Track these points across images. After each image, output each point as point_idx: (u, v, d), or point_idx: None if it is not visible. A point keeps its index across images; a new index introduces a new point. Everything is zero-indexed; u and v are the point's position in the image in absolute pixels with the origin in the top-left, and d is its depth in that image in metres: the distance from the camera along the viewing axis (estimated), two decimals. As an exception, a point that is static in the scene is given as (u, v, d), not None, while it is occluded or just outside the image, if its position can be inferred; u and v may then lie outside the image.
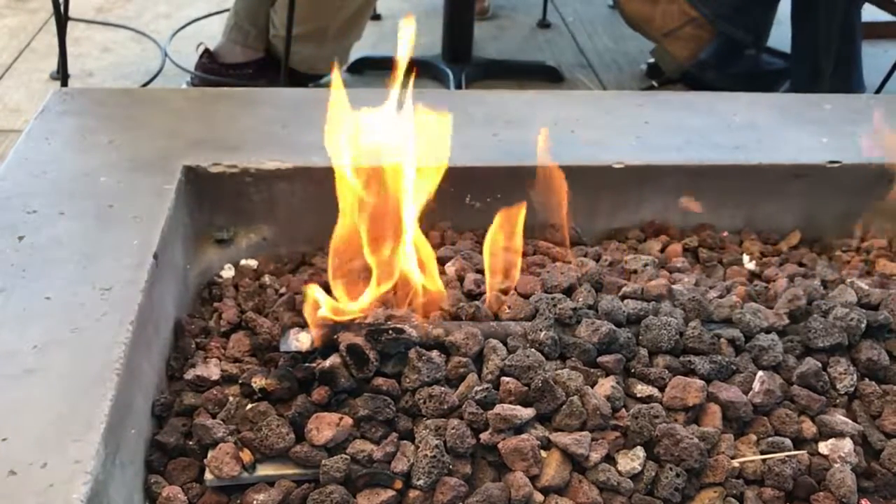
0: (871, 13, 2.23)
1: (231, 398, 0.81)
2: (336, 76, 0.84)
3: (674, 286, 0.95)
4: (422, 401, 0.79)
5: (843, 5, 1.95)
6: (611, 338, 0.84)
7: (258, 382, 0.80)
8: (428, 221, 1.09)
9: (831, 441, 0.81)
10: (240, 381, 0.82)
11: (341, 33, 2.07)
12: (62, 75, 1.87)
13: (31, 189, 0.95)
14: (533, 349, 0.83)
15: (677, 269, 1.04)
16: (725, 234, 1.15)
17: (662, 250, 1.10)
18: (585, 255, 1.05)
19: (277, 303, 0.94)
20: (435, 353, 0.82)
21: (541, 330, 0.84)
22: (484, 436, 0.76)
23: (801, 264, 1.10)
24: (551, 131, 1.15)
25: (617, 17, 2.62)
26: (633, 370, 0.85)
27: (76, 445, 0.65)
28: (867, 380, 0.87)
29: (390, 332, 0.81)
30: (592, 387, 0.81)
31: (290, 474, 0.76)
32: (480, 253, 1.06)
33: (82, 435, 0.65)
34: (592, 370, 0.83)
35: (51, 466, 0.63)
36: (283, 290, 0.98)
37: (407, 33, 0.82)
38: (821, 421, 0.83)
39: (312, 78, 2.14)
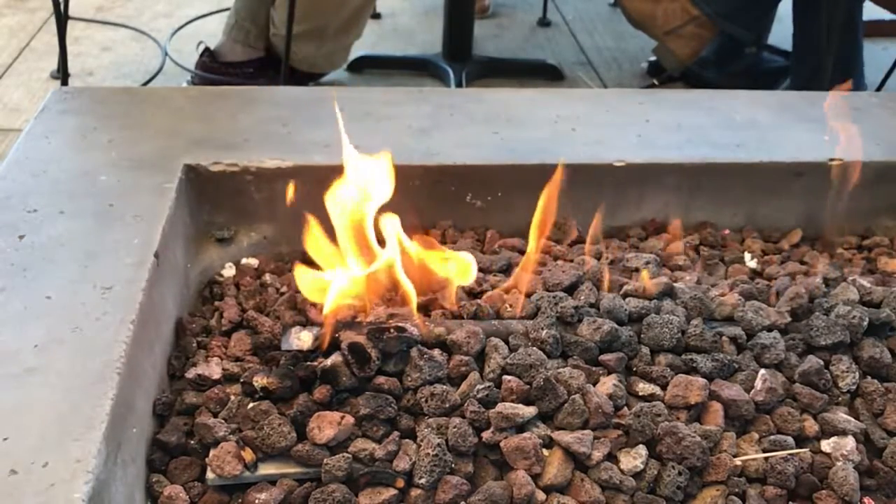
0: (870, 11, 2.23)
1: (232, 397, 0.81)
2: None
3: (675, 284, 0.94)
4: (423, 399, 0.79)
5: (845, 3, 1.95)
6: (612, 336, 0.84)
7: (259, 381, 0.79)
8: (428, 220, 1.09)
9: (833, 439, 0.81)
10: (241, 380, 0.82)
11: (341, 32, 2.07)
12: (62, 74, 1.87)
13: (31, 188, 0.94)
14: (534, 348, 0.83)
15: (679, 267, 1.04)
16: (727, 232, 1.15)
17: (664, 248, 1.09)
18: (586, 254, 1.05)
19: (278, 301, 0.94)
20: (436, 352, 0.82)
21: (542, 328, 0.84)
22: (486, 434, 0.76)
23: (802, 262, 1.10)
24: (552, 129, 1.15)
25: (617, 15, 2.62)
26: (634, 368, 0.85)
27: (77, 444, 0.65)
28: (869, 378, 0.87)
29: (392, 330, 0.81)
30: (594, 385, 0.81)
31: (291, 473, 0.76)
32: (482, 251, 1.06)
33: (83, 434, 0.65)
34: (594, 368, 0.83)
35: (52, 466, 0.63)
36: (284, 288, 0.98)
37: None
38: (823, 419, 0.83)
39: (313, 76, 2.14)
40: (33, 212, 0.91)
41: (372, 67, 2.32)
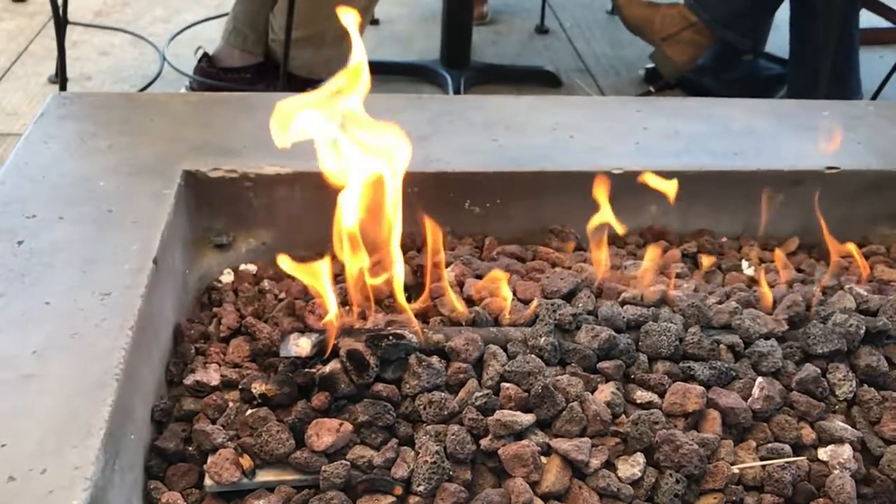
0: (866, 19, 2.24)
1: (231, 404, 0.81)
2: None
3: (673, 292, 0.95)
4: (422, 406, 0.79)
5: (842, 11, 1.96)
6: (610, 343, 0.85)
7: (258, 388, 0.79)
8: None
9: (830, 447, 0.81)
10: (239, 387, 0.82)
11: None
12: (60, 79, 1.87)
13: (30, 193, 0.94)
14: (533, 355, 0.83)
15: (676, 274, 1.05)
16: (724, 239, 1.15)
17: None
18: (585, 261, 1.05)
19: (277, 308, 0.94)
20: (435, 359, 0.82)
21: (541, 336, 0.84)
22: (484, 442, 0.76)
23: (799, 270, 1.10)
24: (551, 137, 1.16)
25: (614, 23, 2.63)
26: (632, 376, 0.85)
27: (76, 451, 0.65)
28: (866, 386, 0.87)
29: (390, 337, 0.81)
30: (592, 393, 0.81)
31: (289, 480, 0.76)
32: (480, 258, 1.06)
33: (82, 441, 0.65)
34: (592, 376, 0.83)
35: (50, 472, 0.63)
36: (282, 295, 0.98)
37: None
38: (820, 427, 0.83)
39: (310, 82, 2.14)
40: (32, 217, 0.91)
41: (370, 73, 2.32)
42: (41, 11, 2.52)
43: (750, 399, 0.83)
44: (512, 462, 0.75)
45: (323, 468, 0.74)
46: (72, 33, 2.30)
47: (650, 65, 2.33)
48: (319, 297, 0.86)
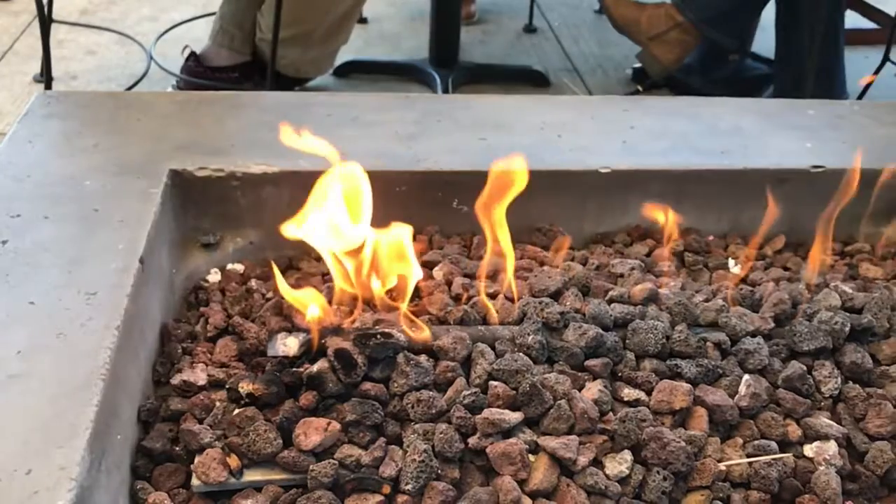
0: (851, 20, 2.26)
1: (218, 403, 0.81)
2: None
3: (660, 290, 0.95)
4: (410, 405, 0.79)
5: (827, 12, 1.97)
6: (598, 342, 0.85)
7: (245, 387, 0.79)
8: (415, 226, 1.09)
9: (816, 444, 0.82)
10: (227, 387, 0.82)
11: (327, 37, 2.07)
12: (46, 78, 1.86)
13: (14, 193, 0.94)
14: (521, 353, 0.83)
15: (663, 272, 1.05)
16: (711, 238, 1.16)
17: (648, 254, 1.10)
18: (572, 259, 1.05)
19: (264, 307, 0.94)
20: (423, 358, 0.82)
21: (528, 334, 0.85)
22: (472, 440, 0.76)
23: (785, 268, 1.11)
24: (538, 136, 1.16)
25: (602, 22, 2.63)
26: (620, 374, 0.85)
27: (61, 452, 0.64)
28: (851, 383, 0.87)
29: (378, 336, 0.81)
30: (580, 391, 0.82)
31: (277, 480, 0.76)
32: (468, 257, 1.06)
33: (67, 441, 0.65)
34: (580, 374, 0.84)
35: (35, 473, 0.62)
36: (269, 294, 0.97)
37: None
38: (806, 424, 0.83)
39: (298, 81, 2.14)
40: (17, 217, 0.90)
41: (358, 72, 2.32)
42: (26, 10, 2.51)
43: (736, 396, 0.83)
44: (500, 460, 0.75)
45: (311, 467, 0.74)
46: (57, 32, 2.29)
47: (637, 64, 2.34)
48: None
